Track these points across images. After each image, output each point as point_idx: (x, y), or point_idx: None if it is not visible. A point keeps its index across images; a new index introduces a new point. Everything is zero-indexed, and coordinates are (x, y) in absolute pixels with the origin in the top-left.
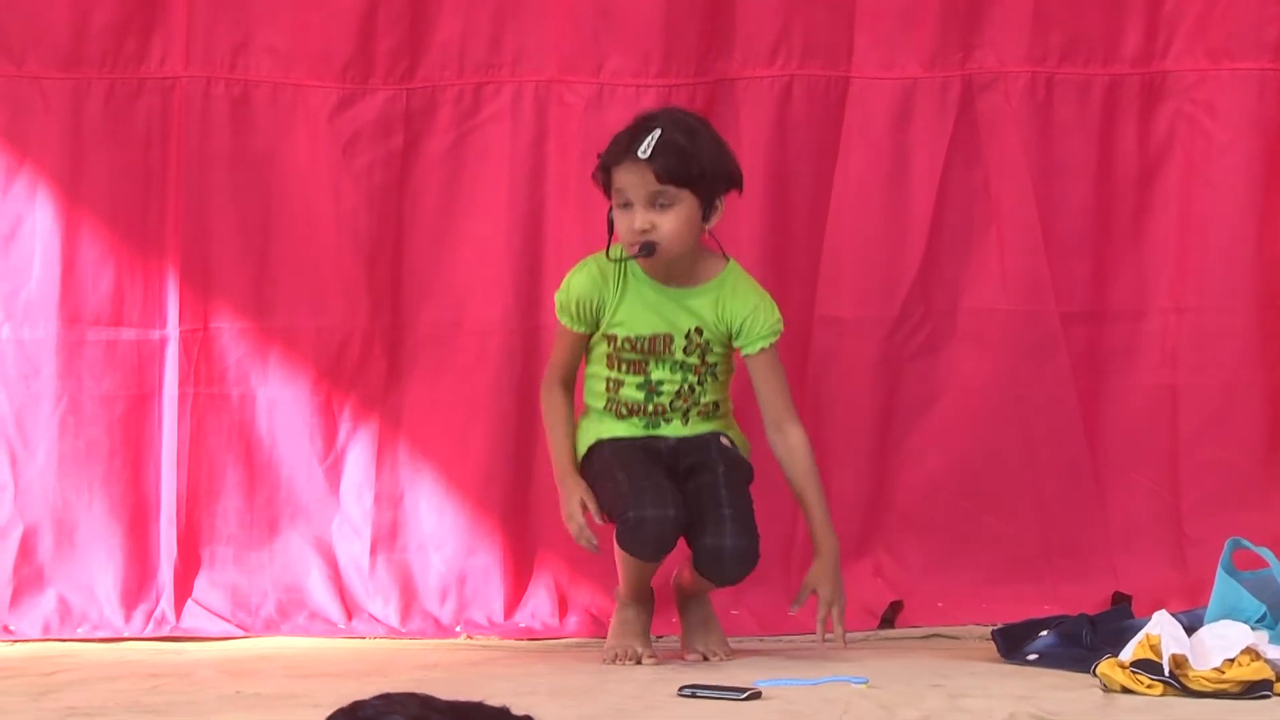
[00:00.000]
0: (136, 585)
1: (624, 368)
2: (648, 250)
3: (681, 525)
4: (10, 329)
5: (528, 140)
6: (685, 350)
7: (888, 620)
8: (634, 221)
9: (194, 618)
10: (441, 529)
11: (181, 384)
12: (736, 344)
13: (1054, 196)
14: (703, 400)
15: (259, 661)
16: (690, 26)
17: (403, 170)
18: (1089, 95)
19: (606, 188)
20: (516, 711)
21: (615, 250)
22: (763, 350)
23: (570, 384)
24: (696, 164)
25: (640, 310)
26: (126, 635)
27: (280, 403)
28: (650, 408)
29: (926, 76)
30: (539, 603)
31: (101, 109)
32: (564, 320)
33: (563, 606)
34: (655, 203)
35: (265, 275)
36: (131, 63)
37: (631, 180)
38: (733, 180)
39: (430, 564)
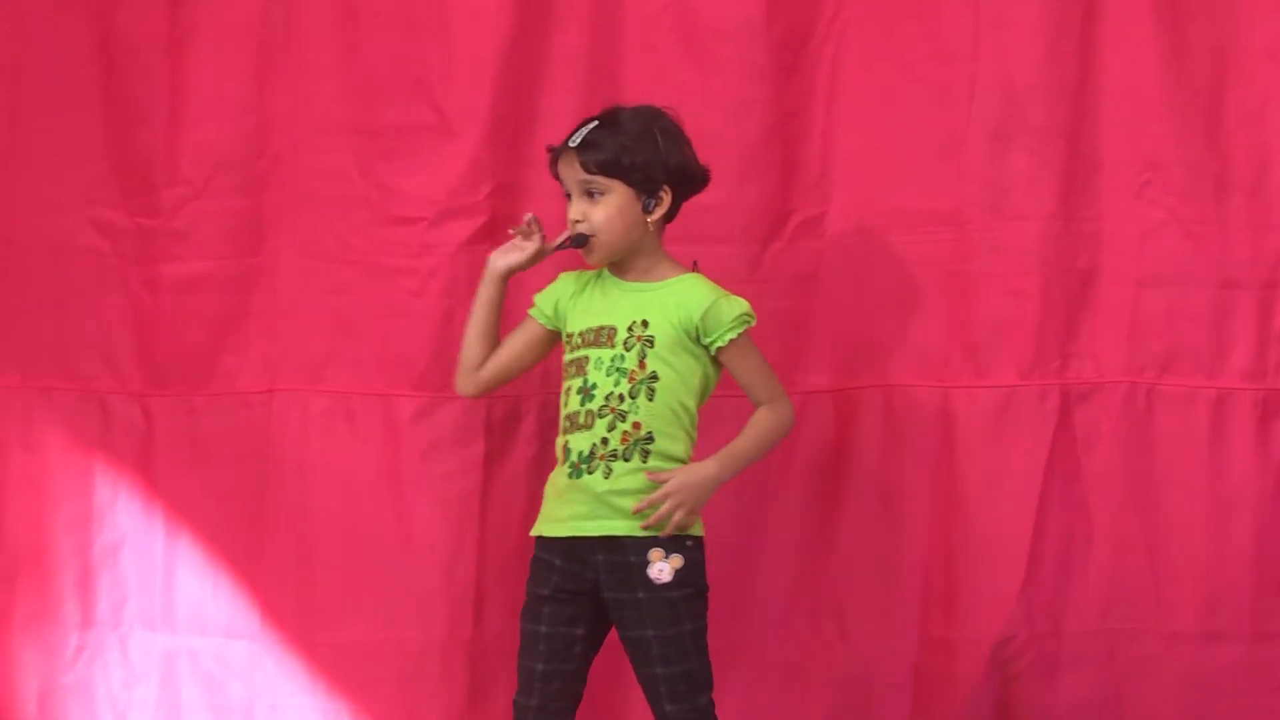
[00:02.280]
0: None
1: (572, 371)
2: (579, 240)
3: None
4: (117, 637)
5: None
6: (625, 344)
7: None
8: (569, 212)
9: None
10: None
11: (268, 694)
12: (707, 341)
13: (1158, 512)
14: (628, 420)
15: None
16: (774, 338)
17: (485, 479)
18: (1194, 408)
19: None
20: None
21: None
22: (732, 342)
23: (480, 370)
24: (627, 154)
25: (592, 303)
26: None
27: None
28: (582, 418)
29: (1024, 385)
30: None
31: (200, 423)
32: (533, 312)
33: None
34: (586, 192)
35: (343, 586)
36: (228, 378)
37: (565, 171)
38: (679, 174)
39: None
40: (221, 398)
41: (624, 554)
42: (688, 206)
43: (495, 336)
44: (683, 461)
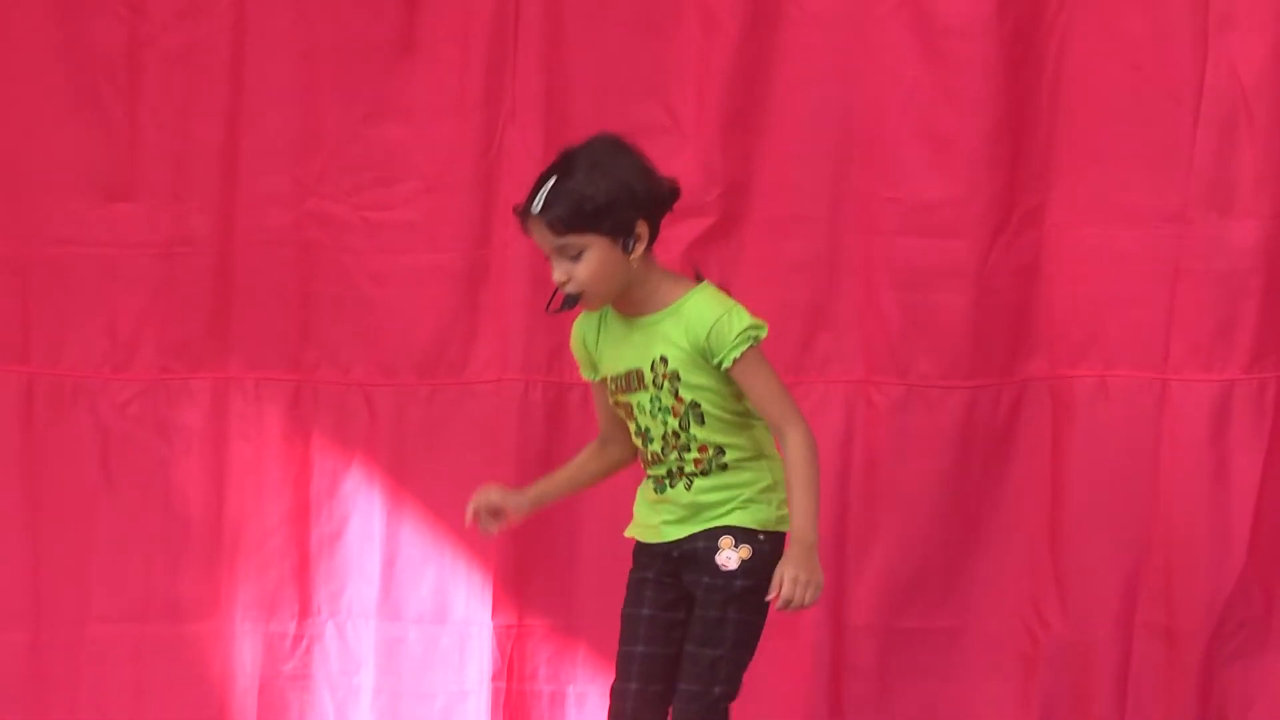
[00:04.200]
0: None
1: (623, 413)
2: (570, 302)
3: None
4: (334, 626)
5: (836, 441)
6: (656, 384)
7: None
8: (553, 274)
9: None
10: None
11: (494, 679)
12: (715, 361)
13: None
14: (693, 447)
15: None
16: (999, 327)
17: None
18: None
19: None
20: None
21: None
22: (737, 361)
23: (609, 439)
24: (591, 205)
25: (613, 347)
26: None
27: (588, 697)
28: (649, 457)
29: (1244, 379)
30: None
31: (424, 413)
32: (583, 373)
33: None
34: (564, 253)
35: (580, 571)
36: (455, 369)
37: (537, 236)
38: (646, 203)
39: None
40: (448, 387)
41: (696, 541)
42: (919, 202)
43: (579, 477)
44: (761, 453)
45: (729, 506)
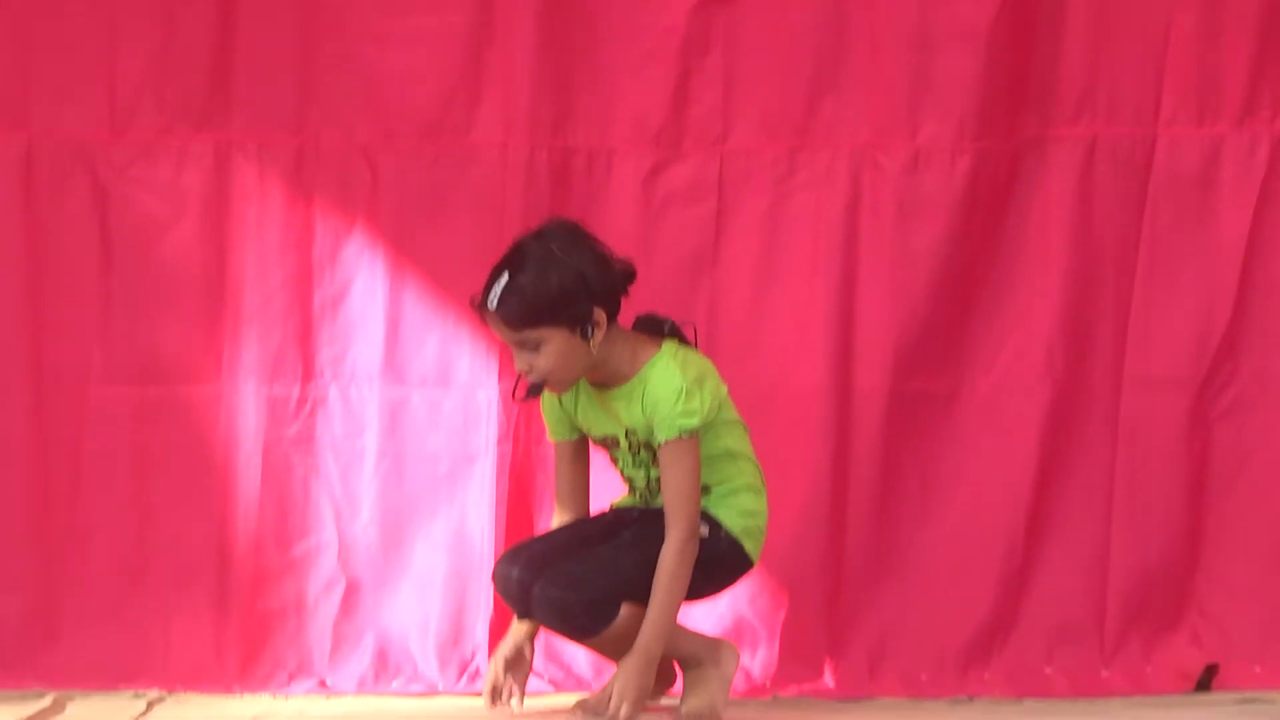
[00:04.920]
0: (452, 640)
1: (607, 458)
2: (535, 391)
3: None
4: (338, 389)
5: (842, 204)
6: (630, 449)
7: (1203, 684)
8: (515, 363)
9: None
10: (754, 585)
11: (500, 442)
12: (653, 433)
13: None
14: None
15: (573, 717)
16: (1002, 88)
17: (716, 235)
18: None
19: None
20: None
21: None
22: (662, 445)
23: (567, 504)
24: (546, 300)
25: (589, 412)
26: (440, 689)
27: (600, 460)
28: (638, 498)
29: (1235, 133)
30: (854, 664)
31: (427, 177)
32: (550, 435)
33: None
34: (524, 346)
35: None
36: (458, 132)
37: (495, 329)
38: (601, 292)
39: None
40: (451, 151)
41: None
42: None
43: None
44: (747, 485)
45: (708, 503)
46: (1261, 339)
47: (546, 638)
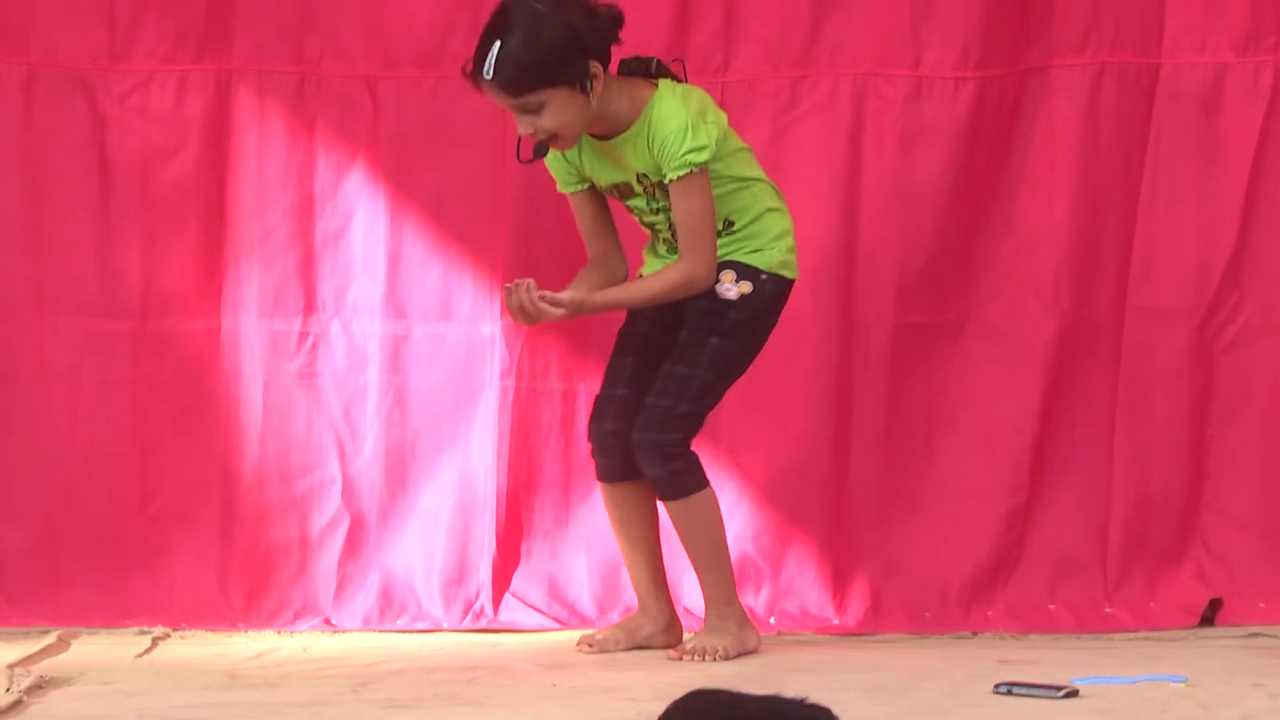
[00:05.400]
0: (456, 578)
1: (626, 209)
2: (541, 151)
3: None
4: (340, 323)
5: (845, 133)
6: (646, 193)
7: (1207, 619)
8: (519, 127)
9: (511, 611)
10: (757, 521)
11: (503, 378)
12: (662, 174)
13: None
14: None
15: (575, 655)
16: (1006, 16)
17: None
18: None
19: None
20: (822, 705)
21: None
22: (673, 182)
23: (598, 261)
24: (540, 62)
25: (596, 163)
26: (445, 627)
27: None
28: (660, 245)
29: (1238, 61)
30: (858, 600)
31: (429, 106)
32: (560, 187)
33: (879, 603)
34: (525, 110)
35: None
36: (459, 60)
37: (494, 97)
38: (593, 44)
39: (746, 554)
40: (451, 79)
41: None
42: None
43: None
44: (766, 208)
45: (735, 250)
46: (1266, 268)
47: (550, 575)
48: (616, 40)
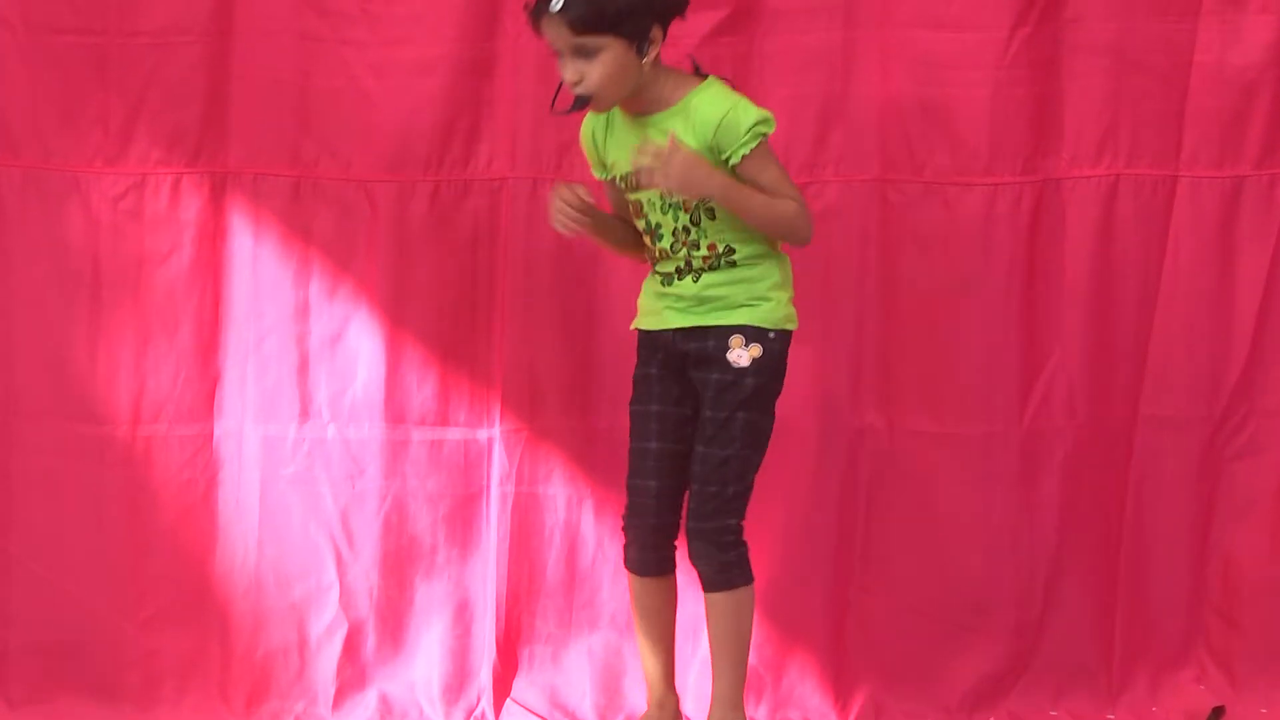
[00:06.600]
0: (457, 684)
1: (634, 211)
2: (581, 103)
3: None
4: (336, 429)
5: (855, 239)
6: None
7: None
8: (564, 73)
9: (512, 717)
10: (760, 631)
11: (502, 483)
12: (724, 157)
13: None
14: (702, 244)
15: None
16: (1016, 125)
17: None
18: None
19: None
20: None
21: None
22: (746, 157)
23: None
24: (613, 7)
25: (621, 146)
26: None
27: (606, 502)
28: (658, 254)
29: (1255, 175)
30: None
31: (427, 210)
32: (594, 173)
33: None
34: (579, 53)
35: (590, 374)
36: (458, 165)
37: (552, 34)
38: (662, 7)
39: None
40: (451, 184)
41: (706, 339)
42: None
43: (624, 234)
44: (770, 250)
45: (738, 302)
46: (1277, 380)
47: (552, 681)
48: (682, 14)
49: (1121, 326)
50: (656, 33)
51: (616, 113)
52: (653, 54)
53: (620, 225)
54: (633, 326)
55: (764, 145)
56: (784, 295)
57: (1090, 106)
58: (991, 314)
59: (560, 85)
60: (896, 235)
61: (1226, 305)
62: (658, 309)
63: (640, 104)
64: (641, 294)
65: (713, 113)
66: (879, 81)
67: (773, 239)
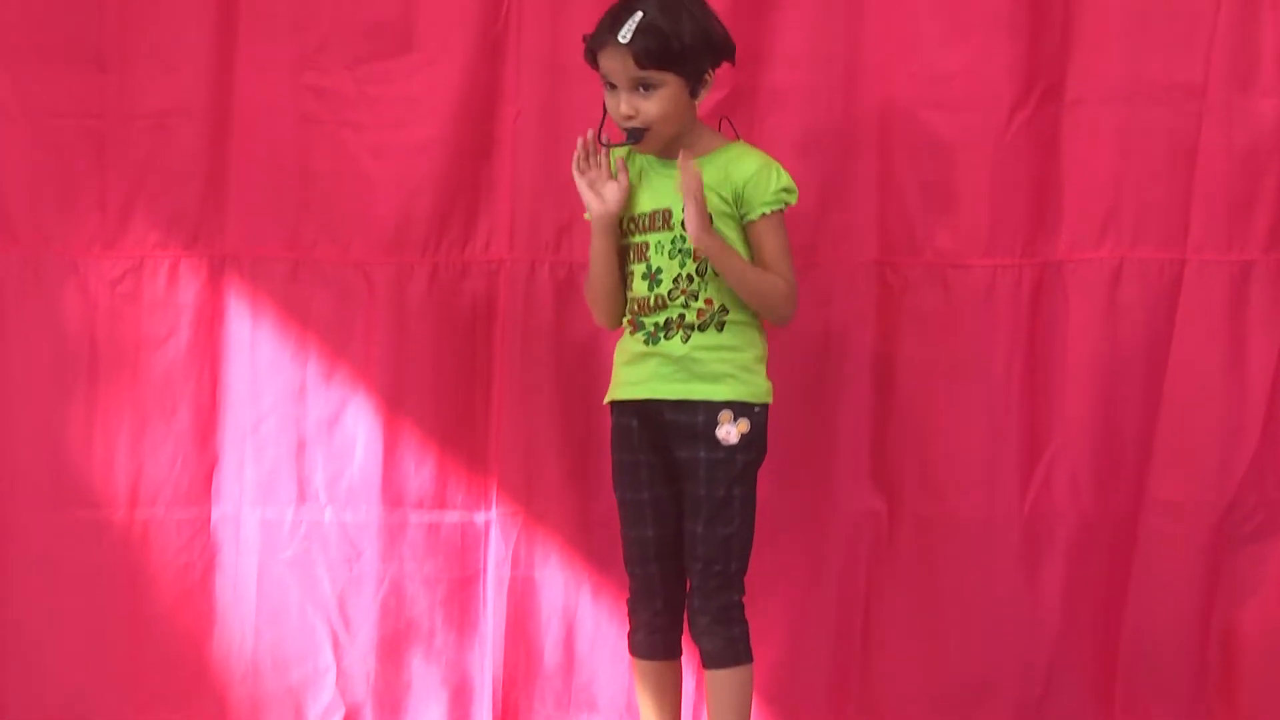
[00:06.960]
0: None
1: (633, 256)
2: (635, 136)
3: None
4: (333, 512)
5: (852, 322)
6: (683, 224)
7: None
8: (619, 106)
9: None
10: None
11: (499, 566)
12: (742, 212)
13: None
14: (700, 298)
15: None
16: (1017, 205)
17: None
18: None
19: (596, 68)
20: None
21: (605, 138)
22: (764, 217)
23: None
24: (678, 44)
25: (646, 185)
26: None
27: (603, 585)
28: (651, 302)
29: (1264, 259)
30: None
31: (425, 292)
32: (587, 213)
33: None
34: (639, 87)
35: (587, 457)
36: (456, 246)
37: (614, 65)
38: (720, 52)
39: None
40: (450, 265)
41: (694, 414)
42: (935, 73)
43: (610, 266)
44: (755, 324)
45: (722, 372)
46: None
47: None
48: (732, 60)
49: (1127, 411)
50: (710, 76)
51: (639, 157)
52: (703, 97)
53: (610, 258)
54: (611, 399)
55: (782, 214)
56: (763, 368)
57: (1093, 188)
58: (992, 396)
59: (604, 117)
60: (894, 317)
61: (1236, 390)
62: (642, 375)
63: (676, 149)
64: (618, 359)
65: (749, 165)
66: (878, 162)
67: (755, 311)
